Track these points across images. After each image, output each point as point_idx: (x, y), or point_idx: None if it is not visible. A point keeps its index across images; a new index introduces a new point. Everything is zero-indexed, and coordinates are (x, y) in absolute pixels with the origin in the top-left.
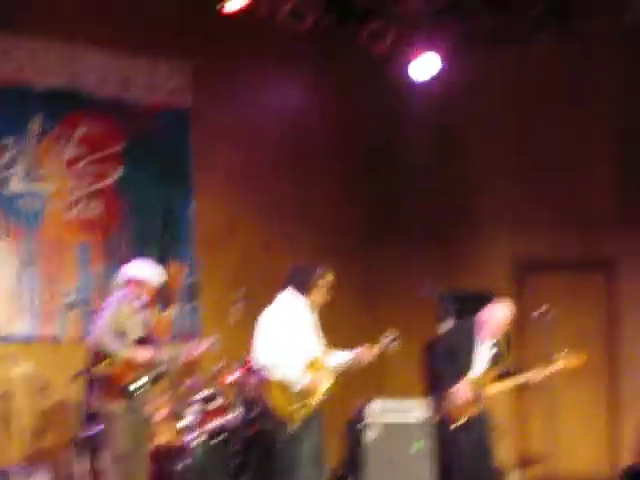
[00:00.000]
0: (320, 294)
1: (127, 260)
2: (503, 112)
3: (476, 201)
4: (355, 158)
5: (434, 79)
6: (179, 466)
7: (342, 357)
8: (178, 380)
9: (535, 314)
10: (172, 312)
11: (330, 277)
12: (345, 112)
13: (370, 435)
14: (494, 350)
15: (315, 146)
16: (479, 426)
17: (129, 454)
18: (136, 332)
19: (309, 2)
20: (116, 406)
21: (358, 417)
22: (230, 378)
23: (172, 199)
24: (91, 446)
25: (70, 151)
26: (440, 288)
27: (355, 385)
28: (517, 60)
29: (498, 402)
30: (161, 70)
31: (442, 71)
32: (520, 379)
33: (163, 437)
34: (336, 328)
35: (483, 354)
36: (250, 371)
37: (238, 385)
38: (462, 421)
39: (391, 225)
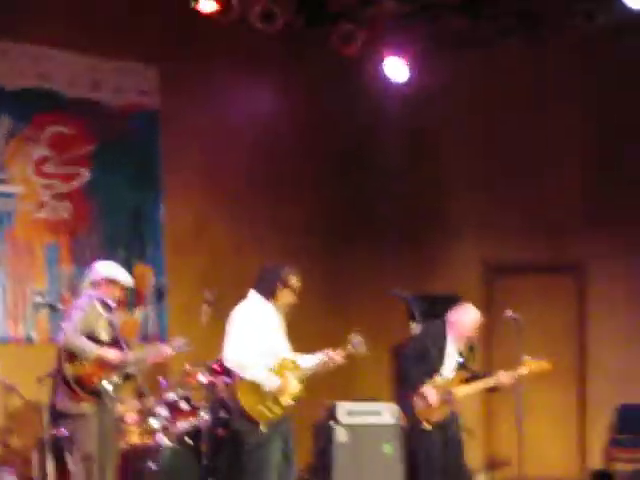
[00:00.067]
0: (287, 296)
1: (95, 262)
2: (471, 116)
3: (447, 204)
4: (326, 161)
5: (405, 82)
6: (148, 467)
7: (310, 360)
8: (147, 381)
9: (504, 316)
10: (140, 314)
11: (297, 279)
12: (316, 115)
13: (338, 437)
14: (462, 353)
15: (286, 148)
16: (448, 428)
17: (97, 455)
18: (105, 333)
19: (280, 4)
20: (85, 407)
21: (326, 419)
22: (199, 379)
23: (142, 201)
24: (59, 447)
25: (39, 152)
26: (409, 291)
27: (323, 388)
28: (484, 64)
29: (467, 404)
30: (131, 71)
31: (413, 74)
32: (488, 382)
33: (132, 438)
34: (305, 330)
35: (451, 356)
36: (219, 372)
37: (208, 386)
38: (431, 423)
39: (362, 228)
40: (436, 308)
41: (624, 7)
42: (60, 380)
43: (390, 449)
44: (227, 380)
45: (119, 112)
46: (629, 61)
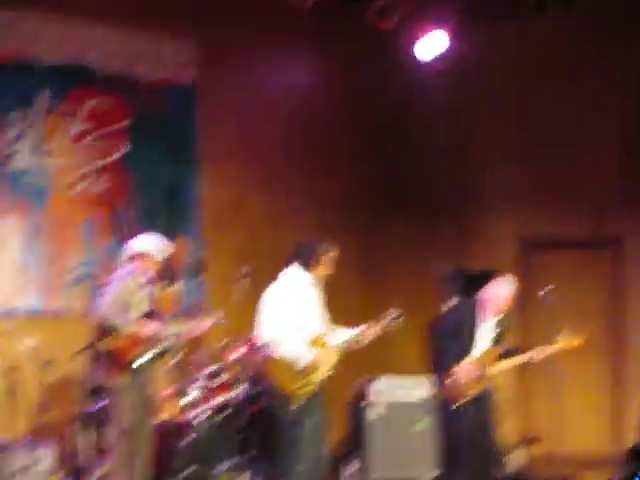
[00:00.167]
0: (324, 270)
1: (133, 236)
2: (506, 88)
3: (483, 179)
4: (362, 135)
5: (441, 56)
6: (183, 442)
7: (345, 334)
8: (183, 356)
9: (541, 293)
10: (177, 288)
11: (334, 253)
12: (352, 89)
13: (373, 413)
14: (497, 328)
15: (322, 122)
16: (482, 404)
17: (133, 429)
18: (141, 307)
19: None
20: (121, 381)
21: (361, 395)
22: (234, 355)
23: (178, 175)
24: (96, 421)
25: (76, 127)
26: (446, 266)
27: (358, 363)
28: (519, 37)
29: (502, 380)
30: (167, 46)
31: (449, 48)
32: (522, 358)
33: (167, 413)
34: (340, 305)
35: (486, 332)
36: (254, 348)
37: (242, 362)
38: (465, 400)
39: (398, 202)
40: (472, 283)
41: None
42: (96, 354)
43: (424, 425)
44: (262, 355)
45: (155, 86)
46: None
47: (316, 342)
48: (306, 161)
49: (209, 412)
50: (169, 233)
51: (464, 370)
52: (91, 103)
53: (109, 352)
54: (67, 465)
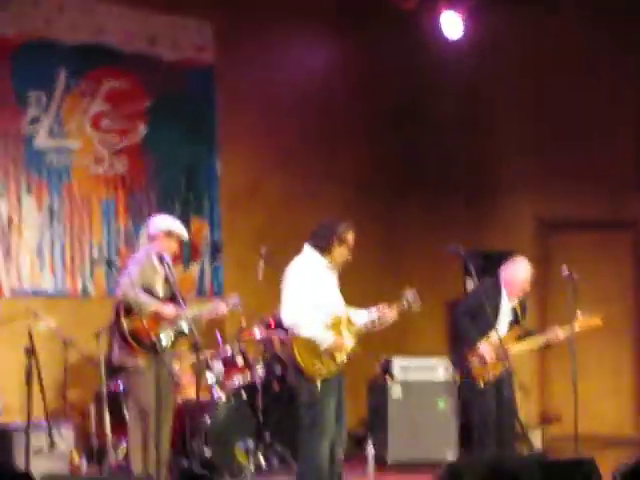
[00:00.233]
0: (342, 252)
1: (151, 217)
2: (523, 70)
3: (500, 160)
4: (380, 116)
5: (459, 38)
6: (203, 422)
7: (364, 316)
8: (203, 336)
9: (560, 274)
10: (195, 269)
11: (351, 235)
12: (370, 70)
13: (393, 393)
14: (516, 309)
15: (340, 103)
16: (502, 385)
17: (153, 409)
18: (161, 288)
19: None
20: (141, 361)
21: (381, 375)
22: (255, 334)
23: (197, 156)
24: (116, 401)
25: (96, 107)
26: (465, 246)
27: (377, 343)
28: (537, 20)
29: (521, 361)
30: (187, 27)
31: (469, 29)
32: (541, 339)
33: (187, 393)
34: (359, 286)
35: (506, 313)
36: (275, 327)
37: (263, 341)
38: (486, 381)
39: (416, 183)
40: (491, 264)
41: None
42: (117, 334)
43: (444, 405)
44: (282, 335)
45: (175, 68)
46: None
47: (338, 323)
48: (323, 142)
49: (230, 392)
50: (187, 214)
51: (485, 351)
52: (110, 84)
53: (129, 332)
54: (87, 445)
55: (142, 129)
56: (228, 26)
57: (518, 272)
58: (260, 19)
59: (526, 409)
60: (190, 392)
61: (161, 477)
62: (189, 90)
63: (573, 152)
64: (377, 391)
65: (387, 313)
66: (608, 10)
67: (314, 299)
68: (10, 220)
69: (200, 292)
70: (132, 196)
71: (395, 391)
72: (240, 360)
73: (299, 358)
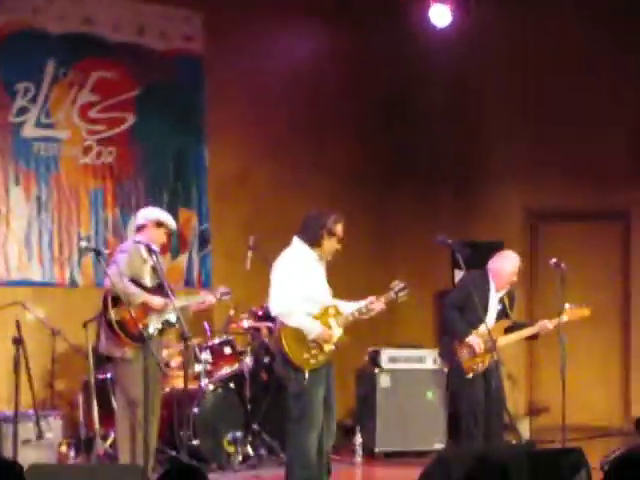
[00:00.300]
0: (331, 244)
1: (141, 206)
2: (512, 62)
3: (490, 151)
4: (370, 106)
5: (448, 28)
6: (191, 411)
7: (352, 306)
8: (191, 326)
9: (549, 264)
10: (183, 259)
11: (340, 226)
12: (360, 60)
13: (381, 383)
14: (504, 300)
15: (329, 94)
16: (490, 376)
17: (141, 399)
18: (149, 278)
19: None
20: (129, 351)
21: (369, 365)
22: (243, 324)
23: (185, 146)
24: (104, 390)
25: (84, 97)
26: (453, 237)
27: (366, 334)
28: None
29: (509, 352)
30: (175, 16)
31: (457, 19)
32: (529, 330)
33: (175, 383)
34: (349, 277)
35: (494, 305)
36: (263, 318)
37: (251, 331)
38: (475, 371)
39: (405, 174)
40: (479, 255)
41: None
42: (104, 324)
43: (432, 395)
44: (270, 325)
45: (163, 57)
46: None
47: (326, 313)
48: (312, 132)
49: (218, 382)
50: (175, 205)
51: (475, 343)
52: (98, 74)
53: (117, 322)
54: (75, 435)
55: (130, 119)
56: (217, 16)
57: (506, 265)
58: (249, 9)
59: (514, 399)
60: (178, 382)
61: (149, 467)
62: (178, 80)
63: (562, 143)
64: (365, 381)
65: (376, 304)
66: (608, 10)
67: (302, 291)
68: None
69: (188, 282)
70: (120, 186)
71: (383, 381)
72: (228, 350)
73: (287, 348)
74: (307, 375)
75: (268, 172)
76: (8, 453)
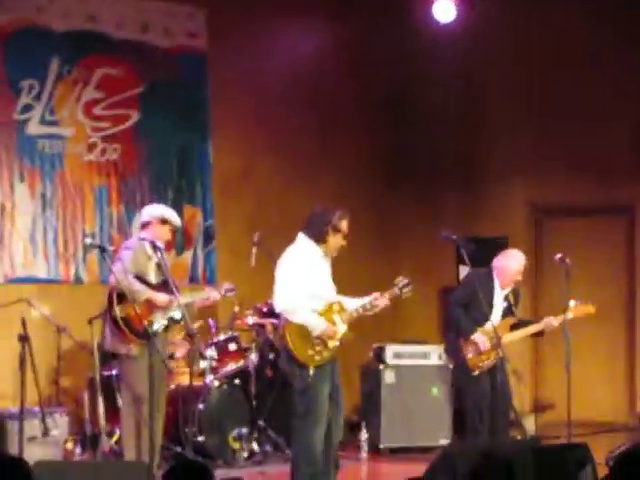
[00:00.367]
0: (336, 240)
1: (145, 203)
2: (516, 59)
3: (495, 145)
4: (372, 104)
5: (452, 24)
6: (196, 408)
7: (356, 303)
8: (195, 323)
9: (554, 260)
10: (188, 256)
11: (345, 222)
12: (362, 57)
13: (386, 379)
14: (509, 298)
15: (332, 91)
16: (496, 373)
17: (146, 396)
18: (154, 275)
19: None
20: (134, 348)
21: (374, 361)
22: (248, 321)
23: (190, 143)
24: (109, 387)
25: (88, 94)
26: (458, 233)
27: (371, 330)
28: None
29: (515, 348)
30: (179, 13)
31: (461, 15)
32: (534, 327)
33: (180, 379)
34: (353, 273)
35: (499, 302)
36: (267, 314)
37: (256, 328)
38: (483, 367)
39: (409, 170)
40: (484, 251)
41: None
42: (110, 321)
43: (437, 392)
44: (275, 322)
45: (167, 54)
46: None
47: (331, 309)
48: (316, 129)
49: (222, 379)
50: (180, 201)
51: (481, 340)
52: (102, 71)
53: (123, 319)
54: (80, 431)
55: (135, 116)
56: (221, 12)
57: (511, 264)
58: (254, 5)
59: (519, 395)
60: (183, 378)
61: (154, 463)
62: (182, 77)
63: (566, 138)
64: (370, 377)
65: (380, 300)
66: (612, 4)
67: (307, 288)
68: (3, 207)
69: (193, 279)
70: (125, 183)
71: (388, 377)
72: (233, 346)
73: (291, 345)
74: (312, 371)
75: (272, 168)
76: (14, 450)
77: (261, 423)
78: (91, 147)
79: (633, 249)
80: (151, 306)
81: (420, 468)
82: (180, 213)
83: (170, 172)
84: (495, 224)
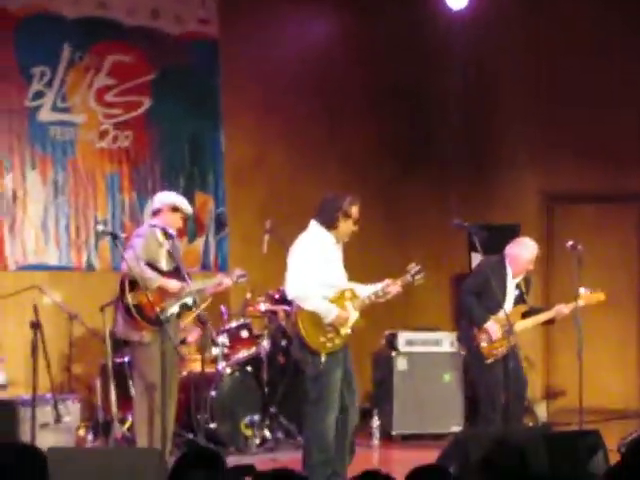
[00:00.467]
0: (348, 226)
1: (157, 190)
2: (528, 46)
3: (506, 133)
4: (380, 90)
5: (465, 9)
6: (208, 395)
7: (368, 290)
8: (208, 310)
9: (566, 247)
10: (200, 243)
11: (356, 208)
12: (370, 44)
13: (398, 366)
14: (521, 286)
15: (344, 78)
16: (508, 361)
17: (158, 383)
18: (166, 262)
19: None
20: (146, 335)
21: (386, 348)
22: (260, 308)
23: (201, 130)
24: (121, 374)
25: (100, 81)
26: (470, 220)
27: (383, 317)
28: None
29: (527, 336)
30: (190, 0)
31: (472, 3)
32: (546, 315)
33: (192, 366)
34: (365, 260)
35: (511, 290)
36: (280, 301)
37: (268, 315)
38: (495, 356)
39: (421, 157)
40: (496, 238)
41: None
42: (122, 308)
43: (449, 378)
44: (287, 308)
45: (179, 41)
46: None
47: (343, 297)
48: (327, 116)
49: (234, 366)
50: (192, 189)
51: (493, 329)
52: (114, 57)
53: (135, 306)
54: (92, 418)
55: (146, 103)
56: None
57: (524, 252)
58: None
59: (531, 382)
60: (196, 365)
61: (166, 450)
62: (193, 63)
63: (577, 125)
64: (382, 364)
65: (392, 287)
66: None
67: (319, 276)
68: (14, 195)
69: (205, 266)
70: (136, 170)
71: (400, 364)
72: (245, 333)
73: (303, 332)
74: (324, 358)
75: (284, 156)
76: (26, 437)
77: (273, 410)
78: (103, 134)
79: None
80: (163, 293)
81: (432, 455)
82: (192, 200)
83: (182, 159)
84: (507, 211)
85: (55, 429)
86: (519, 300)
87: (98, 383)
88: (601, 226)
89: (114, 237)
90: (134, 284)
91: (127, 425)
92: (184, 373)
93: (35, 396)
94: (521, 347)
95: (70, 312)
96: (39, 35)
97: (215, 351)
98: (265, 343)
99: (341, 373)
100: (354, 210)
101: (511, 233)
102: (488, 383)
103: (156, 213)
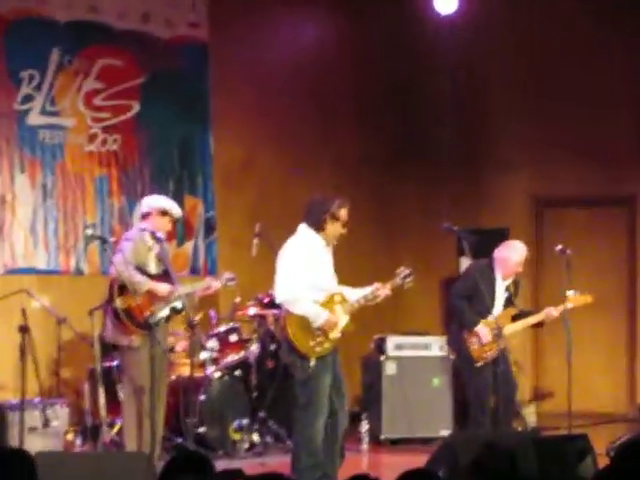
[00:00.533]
0: (336, 228)
1: (146, 193)
2: (519, 46)
3: (496, 138)
4: (373, 93)
5: (455, 12)
6: (197, 399)
7: (358, 293)
8: (197, 313)
9: (555, 251)
10: (189, 247)
11: (344, 211)
12: (363, 47)
13: (387, 370)
14: (510, 289)
15: (334, 80)
16: (497, 364)
17: (147, 387)
18: (154, 266)
19: None
20: (135, 339)
21: (375, 352)
22: (249, 312)
23: (191, 134)
24: (110, 378)
25: (89, 85)
26: (459, 224)
27: (372, 321)
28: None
29: (516, 338)
30: (180, 4)
31: (463, 5)
32: (535, 318)
33: (181, 370)
34: (354, 263)
35: (500, 294)
36: (269, 305)
37: (257, 319)
38: (485, 359)
39: (411, 160)
40: (485, 242)
41: None
42: (110, 312)
43: (438, 382)
44: (276, 312)
45: (169, 45)
46: None
47: (332, 300)
48: (317, 118)
49: (223, 369)
50: (181, 192)
51: (483, 332)
52: (103, 61)
53: (123, 310)
54: (81, 422)
55: (136, 106)
56: (222, 2)
57: (512, 255)
58: None
59: (520, 386)
60: (184, 369)
61: (155, 454)
62: (183, 67)
63: (568, 129)
64: (372, 368)
65: (381, 290)
66: None
67: (308, 279)
68: (3, 198)
69: (194, 270)
70: (125, 173)
71: (389, 368)
72: (234, 337)
73: (292, 336)
74: (313, 362)
75: (274, 159)
76: (14, 441)
77: (262, 414)
78: (92, 137)
79: (634, 240)
80: (152, 297)
81: (421, 459)
82: (181, 204)
83: (171, 163)
84: (496, 215)
85: (43, 433)
86: (509, 303)
87: (87, 387)
88: (591, 230)
89: (103, 241)
90: (123, 288)
91: (116, 429)
92: (173, 377)
93: (23, 400)
94: (510, 350)
95: (59, 316)
96: (29, 39)
97: (204, 355)
98: (254, 347)
99: (330, 377)
100: (342, 213)
101: (500, 237)
102: (478, 386)
103: (145, 217)
